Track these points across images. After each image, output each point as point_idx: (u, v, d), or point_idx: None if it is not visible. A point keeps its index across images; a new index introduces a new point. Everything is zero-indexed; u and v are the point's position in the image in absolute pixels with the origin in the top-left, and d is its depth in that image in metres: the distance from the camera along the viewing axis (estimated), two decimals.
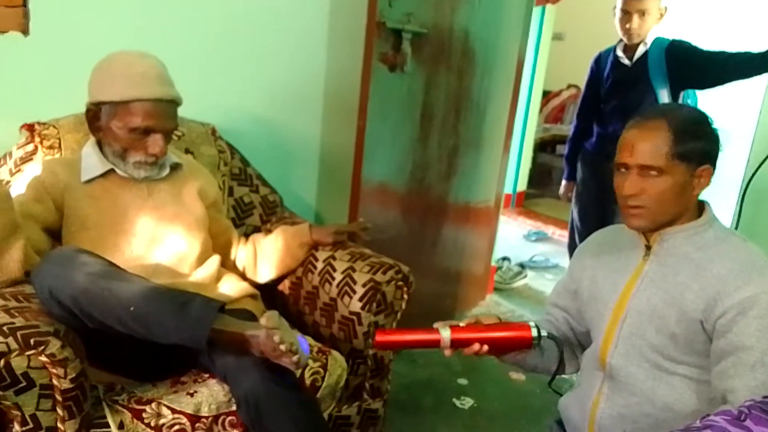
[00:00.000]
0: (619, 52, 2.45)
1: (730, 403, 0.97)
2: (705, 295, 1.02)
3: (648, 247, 1.12)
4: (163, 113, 1.38)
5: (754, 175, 1.77)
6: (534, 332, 1.08)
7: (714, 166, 1.07)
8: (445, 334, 1.07)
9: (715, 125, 1.08)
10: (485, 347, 1.09)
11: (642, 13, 2.31)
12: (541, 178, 5.57)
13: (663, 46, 2.34)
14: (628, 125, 1.09)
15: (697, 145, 1.04)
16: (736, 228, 1.82)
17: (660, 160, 1.04)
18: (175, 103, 1.42)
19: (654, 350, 1.08)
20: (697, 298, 1.03)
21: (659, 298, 1.08)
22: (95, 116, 1.40)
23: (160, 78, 1.38)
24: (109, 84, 1.36)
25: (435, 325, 1.10)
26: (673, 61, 2.30)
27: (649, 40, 2.36)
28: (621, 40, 2.44)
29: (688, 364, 1.06)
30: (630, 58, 2.41)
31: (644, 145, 1.05)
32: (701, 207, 1.12)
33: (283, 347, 1.16)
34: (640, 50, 2.37)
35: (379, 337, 1.10)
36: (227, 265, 1.65)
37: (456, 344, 1.08)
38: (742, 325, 0.98)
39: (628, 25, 2.35)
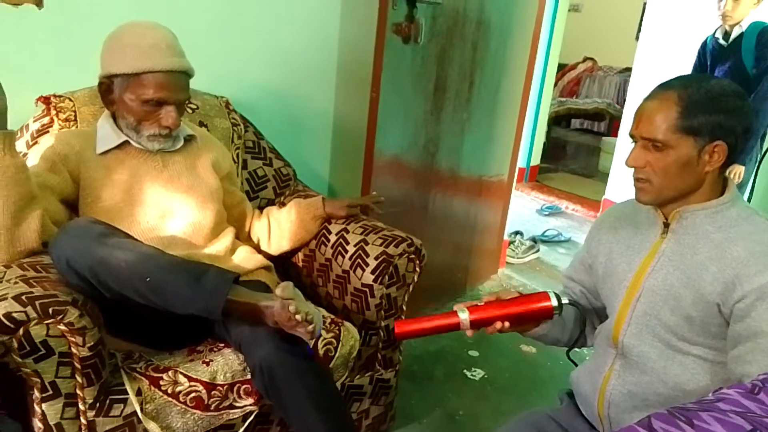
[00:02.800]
0: (718, 34, 2.66)
1: (732, 370, 0.97)
2: (723, 278, 0.99)
3: (666, 225, 1.09)
4: (175, 84, 1.38)
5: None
6: (554, 301, 1.07)
7: (735, 142, 1.01)
8: (464, 316, 1.06)
9: (746, 100, 1.02)
10: (507, 324, 1.07)
11: None
12: (555, 152, 5.53)
13: (757, 30, 2.49)
14: (646, 96, 1.07)
15: (711, 119, 0.99)
16: (749, 201, 1.78)
17: (662, 134, 1.01)
18: (186, 74, 1.42)
19: (668, 330, 1.06)
20: (715, 280, 1.00)
21: (675, 278, 1.05)
22: (108, 89, 1.40)
23: (171, 49, 1.38)
24: (120, 56, 1.36)
25: (454, 308, 1.09)
26: (762, 44, 2.45)
27: (746, 23, 2.52)
28: (721, 24, 2.65)
29: (702, 345, 1.05)
30: (726, 40, 2.61)
31: (650, 117, 1.02)
32: (725, 184, 1.08)
33: (298, 317, 1.18)
34: (735, 32, 2.57)
35: (399, 328, 1.09)
36: (241, 238, 1.66)
37: (476, 325, 1.07)
38: (761, 311, 0.95)
39: (722, 8, 2.54)
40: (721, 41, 2.65)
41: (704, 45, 2.78)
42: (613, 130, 5.68)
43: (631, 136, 1.07)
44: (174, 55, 1.38)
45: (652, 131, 1.02)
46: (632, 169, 1.08)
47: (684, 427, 0.66)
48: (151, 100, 1.37)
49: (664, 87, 1.05)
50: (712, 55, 2.71)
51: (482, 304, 1.09)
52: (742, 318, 0.97)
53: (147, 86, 1.35)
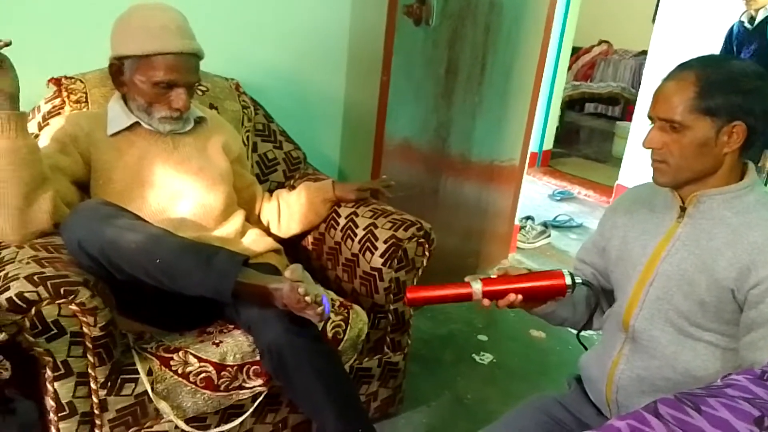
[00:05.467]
0: (743, 18, 2.76)
1: (743, 356, 0.96)
2: (739, 263, 0.98)
3: (683, 209, 1.08)
4: (185, 66, 1.38)
5: None
6: (568, 279, 1.05)
7: (755, 123, 0.99)
8: (477, 286, 1.05)
9: (766, 81, 1.00)
10: (519, 297, 1.06)
11: None
12: (568, 137, 5.47)
13: None
14: (665, 76, 1.05)
15: (729, 99, 0.98)
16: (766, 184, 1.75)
17: (678, 114, 0.99)
18: (196, 56, 1.41)
19: (680, 316, 1.05)
20: (730, 265, 0.99)
21: (690, 263, 1.04)
22: (118, 71, 1.40)
23: (180, 31, 1.37)
24: (130, 38, 1.36)
25: (466, 279, 1.07)
26: None
27: None
28: (746, 9, 2.76)
29: (715, 331, 1.04)
30: (751, 23, 2.70)
31: (667, 98, 1.01)
32: (744, 168, 1.06)
33: (308, 299, 1.18)
34: (761, 15, 2.68)
35: (410, 294, 1.08)
36: (251, 220, 1.67)
37: (488, 296, 1.06)
38: None
39: None
40: (747, 24, 2.73)
41: (731, 31, 2.83)
42: (627, 115, 5.61)
43: (649, 117, 1.05)
44: (184, 37, 1.38)
45: (668, 112, 1.01)
46: (649, 152, 1.06)
47: (691, 413, 0.66)
48: (162, 83, 1.37)
49: (683, 67, 1.03)
50: (738, 39, 2.79)
51: (495, 277, 1.08)
52: (757, 304, 0.96)
53: (157, 68, 1.35)
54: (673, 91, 1.01)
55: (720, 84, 0.98)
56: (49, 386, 1.18)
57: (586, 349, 1.28)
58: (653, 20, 3.72)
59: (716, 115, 0.99)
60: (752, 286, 0.96)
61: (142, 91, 1.39)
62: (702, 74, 0.99)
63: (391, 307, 1.60)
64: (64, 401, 1.19)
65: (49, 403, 1.19)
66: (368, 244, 1.58)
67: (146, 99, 1.40)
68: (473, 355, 2.16)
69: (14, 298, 1.07)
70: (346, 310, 1.48)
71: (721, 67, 1.01)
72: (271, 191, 1.78)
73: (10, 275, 1.10)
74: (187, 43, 1.38)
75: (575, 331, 1.27)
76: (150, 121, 1.44)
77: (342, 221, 1.66)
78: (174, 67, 1.36)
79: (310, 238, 1.76)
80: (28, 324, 1.09)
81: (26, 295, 1.08)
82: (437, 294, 1.08)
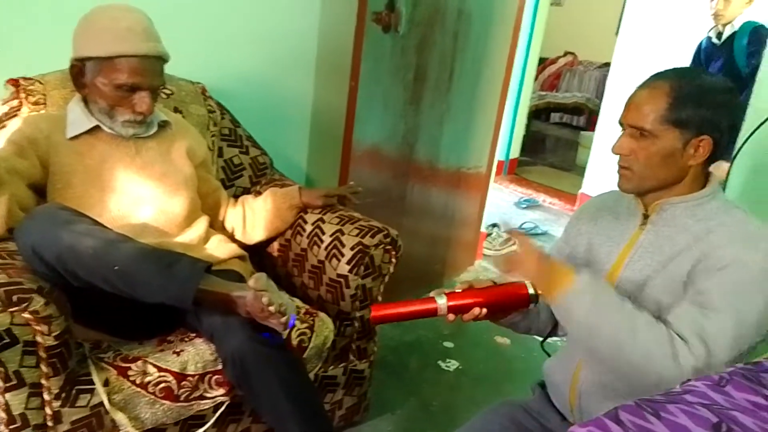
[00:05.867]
0: (711, 33, 2.75)
1: (667, 324, 0.97)
2: (693, 259, 1.00)
3: (646, 216, 1.10)
4: (150, 70, 1.35)
5: (744, 142, 1.76)
6: (531, 290, 1.07)
7: (720, 138, 1.02)
8: (441, 301, 1.06)
9: (735, 97, 1.04)
10: (484, 311, 1.07)
11: None
12: (534, 146, 5.55)
13: (749, 28, 2.57)
14: (640, 84, 1.07)
15: (698, 113, 1.00)
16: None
17: (649, 123, 1.01)
18: (161, 59, 1.38)
19: None
20: (686, 262, 1.01)
21: (652, 269, 1.06)
22: (80, 72, 1.36)
23: (146, 33, 1.34)
24: (94, 39, 1.32)
25: (431, 294, 1.08)
26: (754, 42, 2.52)
27: (738, 23, 2.59)
28: (714, 24, 2.73)
29: None
30: (719, 39, 2.68)
31: (639, 106, 1.03)
32: (707, 178, 1.08)
33: (272, 308, 1.17)
34: (728, 31, 2.65)
35: (375, 312, 1.08)
36: (216, 226, 1.64)
37: (453, 311, 1.07)
38: (715, 280, 0.96)
39: (714, 8, 2.63)
40: (714, 40, 2.73)
41: (699, 46, 2.84)
42: (591, 125, 5.73)
43: (620, 123, 1.07)
44: (149, 39, 1.35)
45: (639, 120, 1.03)
46: (614, 160, 1.08)
47: (651, 419, 0.67)
48: (125, 85, 1.33)
49: (658, 77, 1.05)
50: (705, 53, 2.81)
51: (459, 291, 1.09)
52: (693, 282, 0.98)
53: (121, 71, 1.32)
54: (646, 99, 1.03)
55: (691, 97, 1.01)
56: (0, 397, 1.13)
57: (549, 356, 1.29)
58: (617, 33, 3.80)
59: (685, 128, 1.01)
60: (696, 265, 0.98)
61: (104, 94, 1.35)
62: (676, 85, 1.01)
63: (357, 315, 1.59)
64: (15, 413, 1.14)
65: (0, 414, 1.14)
66: (335, 250, 1.57)
67: (108, 102, 1.36)
68: (439, 361, 2.16)
69: None
70: (311, 318, 1.46)
71: (694, 80, 1.03)
72: (236, 197, 1.76)
73: None
74: (152, 46, 1.35)
75: (540, 339, 1.28)
76: (112, 124, 1.40)
77: (308, 228, 1.65)
78: (138, 70, 1.33)
79: (275, 245, 1.74)
80: None
81: None
82: (402, 311, 1.08)
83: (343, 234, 1.58)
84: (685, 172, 1.05)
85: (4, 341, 1.08)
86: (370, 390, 1.74)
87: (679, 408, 0.69)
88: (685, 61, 3.00)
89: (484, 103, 2.64)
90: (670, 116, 1.01)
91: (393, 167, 2.30)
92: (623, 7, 3.87)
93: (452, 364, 2.16)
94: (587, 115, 6.22)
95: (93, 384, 1.20)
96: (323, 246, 1.59)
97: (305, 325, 1.44)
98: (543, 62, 6.09)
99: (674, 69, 1.07)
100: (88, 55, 1.33)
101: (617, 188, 1.12)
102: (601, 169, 3.71)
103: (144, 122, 1.42)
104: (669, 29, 3.30)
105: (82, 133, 1.39)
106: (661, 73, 1.06)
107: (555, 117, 6.74)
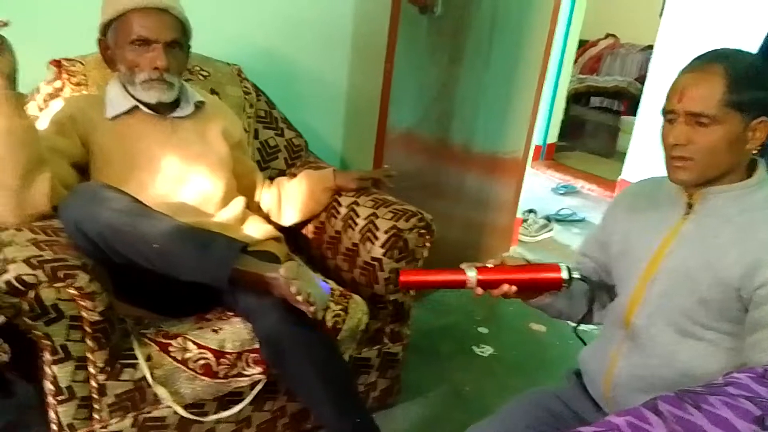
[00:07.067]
0: None
1: (750, 361, 0.95)
2: (745, 262, 0.96)
3: (689, 205, 1.06)
4: (159, 22, 1.36)
5: None
6: (564, 273, 1.04)
7: None
8: (472, 274, 1.04)
9: None
10: (514, 288, 1.05)
11: None
12: (573, 131, 5.43)
13: None
14: (684, 69, 1.02)
15: (757, 94, 0.96)
16: None
17: (711, 108, 0.96)
18: (171, 14, 1.38)
19: (682, 314, 1.04)
20: (736, 263, 0.97)
21: (695, 261, 1.02)
22: (106, 46, 1.40)
23: None
24: (107, 4, 1.37)
25: (461, 266, 1.06)
26: None
27: None
28: None
29: (717, 330, 1.02)
30: None
31: (695, 91, 0.98)
32: (753, 166, 1.04)
33: (299, 298, 1.17)
34: None
35: (403, 277, 1.07)
36: (251, 207, 1.65)
37: (483, 285, 1.04)
38: None
39: None
40: None
41: None
42: (631, 110, 5.57)
43: (670, 111, 1.02)
44: None
45: (698, 105, 0.97)
46: (661, 148, 1.03)
47: (691, 410, 0.65)
48: (136, 40, 1.35)
49: (706, 59, 1.00)
50: None
51: (491, 266, 1.06)
52: (761, 305, 0.94)
53: (130, 24, 1.35)
54: (701, 84, 0.98)
55: (749, 78, 0.96)
56: (47, 370, 1.17)
57: (585, 343, 1.27)
58: (660, 15, 3.67)
59: (746, 111, 0.96)
60: (758, 286, 0.94)
61: (123, 58, 1.38)
62: (730, 67, 0.97)
63: (391, 298, 1.60)
64: (62, 385, 1.18)
65: (48, 386, 1.19)
66: (369, 234, 1.57)
67: (127, 64, 1.38)
68: (473, 347, 2.16)
69: (12, 281, 1.06)
70: (345, 300, 1.47)
71: (746, 62, 0.99)
72: (271, 179, 1.77)
73: (8, 258, 1.09)
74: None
75: (573, 325, 1.26)
76: (135, 91, 1.41)
77: (343, 210, 1.65)
78: (146, 23, 1.35)
79: (310, 227, 1.75)
80: (26, 307, 1.09)
81: (24, 278, 1.07)
82: (431, 279, 1.07)
83: (377, 217, 1.58)
84: (743, 159, 1.01)
85: (51, 316, 1.12)
86: (403, 373, 1.74)
87: (721, 400, 0.67)
88: (733, 44, 2.85)
89: (521, 86, 2.59)
90: (731, 99, 0.96)
91: (428, 151, 2.29)
92: None
93: (486, 350, 2.15)
94: (629, 100, 6.05)
95: (136, 359, 1.24)
96: (357, 229, 1.59)
97: (339, 307, 1.45)
98: (583, 45, 5.92)
99: (719, 50, 1.02)
100: (105, 21, 1.37)
101: (656, 177, 1.08)
102: (643, 155, 3.62)
103: (164, 82, 1.40)
104: (714, 10, 3.17)
105: (121, 114, 1.42)
106: (708, 54, 1.01)
107: (595, 101, 6.58)
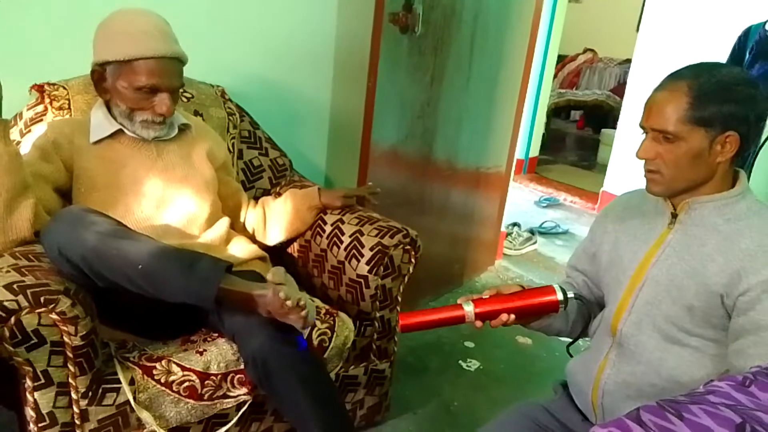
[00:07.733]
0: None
1: (732, 367, 0.96)
2: (729, 269, 0.98)
3: (674, 215, 1.09)
4: (168, 71, 1.37)
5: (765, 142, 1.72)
6: (560, 295, 1.06)
7: (747, 132, 1.00)
8: (469, 308, 1.05)
9: (756, 89, 1.00)
10: (512, 316, 1.06)
11: None
12: (554, 144, 5.51)
13: None
14: (656, 86, 1.05)
15: (722, 109, 0.98)
16: None
17: (672, 125, 1.00)
18: (179, 60, 1.40)
19: (668, 321, 1.06)
20: (720, 271, 0.99)
21: (680, 269, 1.05)
22: (101, 77, 1.39)
23: (163, 35, 1.36)
24: (112, 43, 1.35)
25: (459, 301, 1.08)
26: None
27: None
28: None
29: (702, 336, 1.04)
30: None
31: (659, 109, 1.01)
32: (736, 176, 1.07)
33: (289, 303, 1.17)
34: None
35: (403, 320, 1.08)
36: (236, 228, 1.65)
37: (481, 317, 1.06)
38: (767, 304, 0.94)
39: None
40: None
41: (746, 33, 2.42)
42: (611, 122, 5.65)
43: (642, 127, 1.06)
44: (166, 41, 1.37)
45: (662, 123, 1.01)
46: (641, 160, 1.07)
47: (673, 420, 0.66)
48: (144, 87, 1.36)
49: (675, 77, 1.03)
50: (757, 47, 2.37)
51: (487, 297, 1.08)
52: (746, 311, 0.97)
53: (139, 73, 1.34)
54: (665, 101, 1.01)
55: (713, 94, 0.99)
56: (29, 396, 1.16)
57: (572, 356, 1.28)
58: (637, 29, 3.75)
59: (710, 126, 0.99)
60: (742, 293, 0.97)
61: (124, 97, 1.38)
62: (694, 84, 0.99)
63: (378, 315, 1.60)
64: (44, 411, 1.17)
65: (29, 413, 1.17)
66: (354, 251, 1.57)
67: (129, 105, 1.39)
68: (460, 361, 2.16)
69: None
70: (331, 318, 1.47)
71: (713, 76, 1.00)
72: (256, 198, 1.77)
73: None
74: (169, 47, 1.37)
75: (563, 339, 1.28)
76: (133, 127, 1.42)
77: (328, 228, 1.66)
78: (156, 72, 1.35)
79: (296, 245, 1.75)
80: (7, 333, 1.07)
81: (5, 304, 1.06)
82: (430, 319, 1.08)
83: (362, 234, 1.58)
84: (714, 171, 1.04)
85: (32, 341, 1.10)
86: (391, 390, 1.74)
87: (702, 409, 0.68)
88: (709, 57, 2.86)
89: (502, 101, 2.63)
90: (692, 116, 0.99)
91: (411, 167, 2.30)
92: (644, 2, 3.82)
93: (473, 364, 2.15)
94: (607, 113, 6.14)
95: (119, 383, 1.22)
96: (343, 246, 1.60)
97: (326, 325, 1.44)
98: (562, 60, 6.02)
99: (690, 66, 1.04)
100: (107, 60, 1.35)
101: (644, 188, 1.10)
102: (623, 167, 3.67)
103: (164, 123, 1.44)
104: (692, 24, 3.25)
105: (105, 138, 1.42)
106: (677, 72, 1.04)
107: (575, 115, 6.66)
